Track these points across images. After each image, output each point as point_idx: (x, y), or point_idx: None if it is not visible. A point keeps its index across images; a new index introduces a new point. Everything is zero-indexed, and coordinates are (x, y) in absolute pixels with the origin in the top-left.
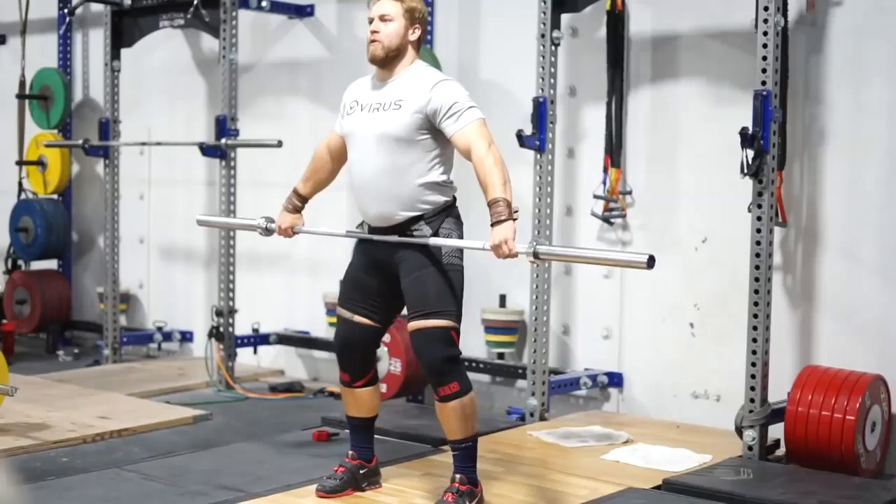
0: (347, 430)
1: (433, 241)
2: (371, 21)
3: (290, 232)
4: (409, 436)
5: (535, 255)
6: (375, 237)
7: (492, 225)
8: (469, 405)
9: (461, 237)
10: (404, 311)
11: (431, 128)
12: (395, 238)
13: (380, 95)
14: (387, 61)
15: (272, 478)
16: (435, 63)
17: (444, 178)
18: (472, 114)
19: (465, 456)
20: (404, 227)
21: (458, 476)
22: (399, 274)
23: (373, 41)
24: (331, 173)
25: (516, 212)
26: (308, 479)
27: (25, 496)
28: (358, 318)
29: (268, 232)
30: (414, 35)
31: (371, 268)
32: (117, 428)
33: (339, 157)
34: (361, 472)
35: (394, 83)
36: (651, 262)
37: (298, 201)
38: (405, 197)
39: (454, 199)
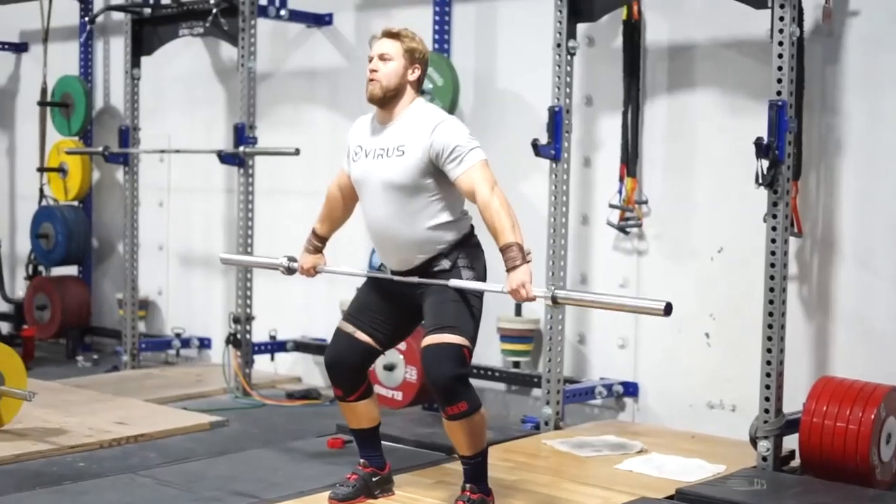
0: None
1: (453, 283)
2: (371, 60)
3: (312, 272)
4: (423, 444)
5: (554, 300)
6: (396, 278)
7: (507, 270)
8: (478, 423)
9: (481, 267)
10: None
11: (436, 171)
12: (415, 279)
13: (382, 140)
14: (385, 101)
15: (286, 484)
16: (452, 73)
17: (455, 216)
18: (473, 156)
19: (476, 471)
20: (424, 268)
21: (468, 485)
22: (422, 304)
23: (371, 80)
24: (345, 211)
25: (529, 253)
26: (322, 486)
27: None
28: (360, 335)
29: (290, 271)
30: (413, 75)
31: (388, 294)
32: (134, 433)
33: (351, 195)
34: (374, 479)
35: (394, 126)
36: (668, 309)
37: (318, 241)
38: (420, 241)
39: (471, 228)
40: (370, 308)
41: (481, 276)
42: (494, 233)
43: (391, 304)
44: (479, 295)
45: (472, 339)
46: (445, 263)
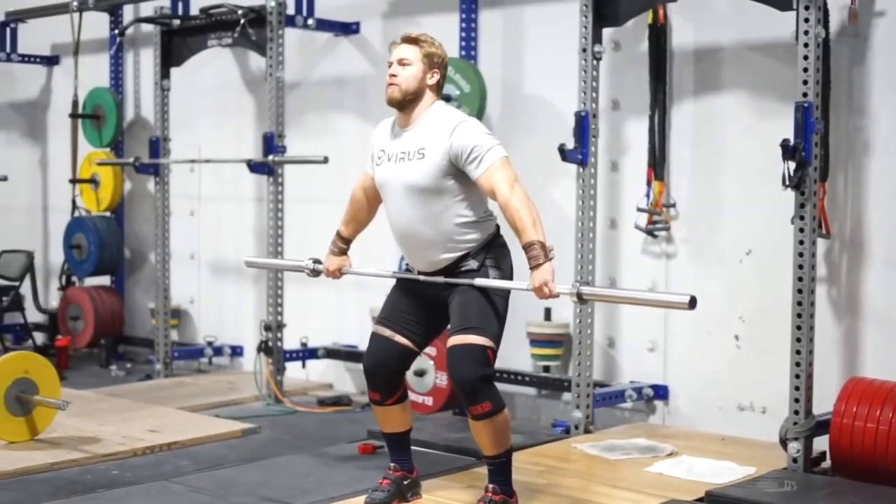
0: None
1: (479, 282)
2: (390, 65)
3: (337, 274)
4: (453, 448)
5: (579, 296)
6: (423, 278)
7: (531, 269)
8: (501, 423)
9: (508, 267)
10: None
11: (457, 171)
12: (441, 279)
13: (403, 144)
14: (405, 104)
15: (317, 490)
16: (479, 79)
17: (479, 215)
18: (492, 155)
19: (500, 470)
20: (451, 268)
21: (491, 486)
22: (448, 304)
23: (390, 84)
24: (369, 213)
25: (551, 250)
26: (352, 492)
27: None
28: (399, 338)
29: (315, 273)
30: (432, 79)
31: (417, 296)
32: (167, 441)
33: (374, 197)
34: (405, 483)
35: (414, 130)
36: (693, 303)
37: (342, 243)
38: (445, 241)
39: (497, 228)
40: (402, 310)
41: (508, 276)
42: (516, 231)
43: (420, 304)
44: (504, 295)
45: (497, 340)
46: (472, 264)
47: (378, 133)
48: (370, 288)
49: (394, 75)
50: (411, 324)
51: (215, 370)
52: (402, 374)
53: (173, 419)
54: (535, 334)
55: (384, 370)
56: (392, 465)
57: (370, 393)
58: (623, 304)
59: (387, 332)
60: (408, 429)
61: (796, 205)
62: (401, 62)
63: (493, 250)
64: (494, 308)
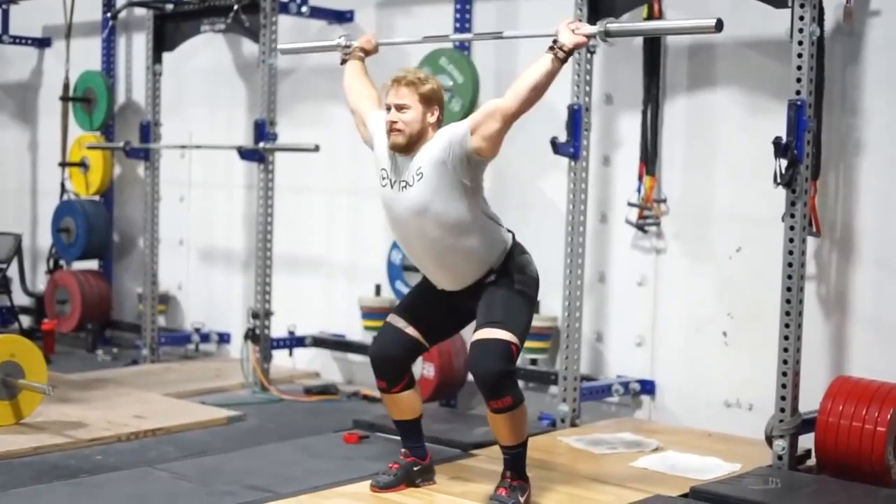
0: (378, 434)
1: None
2: (389, 109)
3: (371, 41)
4: (439, 440)
5: (607, 32)
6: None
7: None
8: (520, 416)
9: (533, 272)
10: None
11: (455, 180)
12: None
13: (404, 172)
14: (409, 146)
15: (301, 479)
16: (472, 70)
17: (491, 233)
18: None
19: (515, 459)
20: (477, 284)
21: (508, 472)
22: (475, 305)
23: (394, 130)
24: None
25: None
26: (336, 481)
27: None
28: (410, 330)
29: (347, 48)
30: (433, 117)
31: (442, 296)
32: (152, 427)
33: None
34: (415, 468)
35: (414, 157)
36: (719, 25)
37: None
38: (464, 263)
39: (512, 235)
40: (421, 305)
41: (533, 280)
42: (531, 73)
43: (443, 304)
44: (531, 294)
45: (522, 337)
46: (493, 277)
47: (380, 133)
48: (359, 277)
49: (395, 122)
50: (428, 319)
51: (202, 357)
52: (408, 364)
53: (159, 405)
54: None
55: (389, 360)
56: (403, 450)
57: (377, 381)
58: (613, 296)
59: (400, 323)
60: (417, 416)
61: (787, 203)
62: (399, 108)
63: (513, 259)
64: (520, 305)
